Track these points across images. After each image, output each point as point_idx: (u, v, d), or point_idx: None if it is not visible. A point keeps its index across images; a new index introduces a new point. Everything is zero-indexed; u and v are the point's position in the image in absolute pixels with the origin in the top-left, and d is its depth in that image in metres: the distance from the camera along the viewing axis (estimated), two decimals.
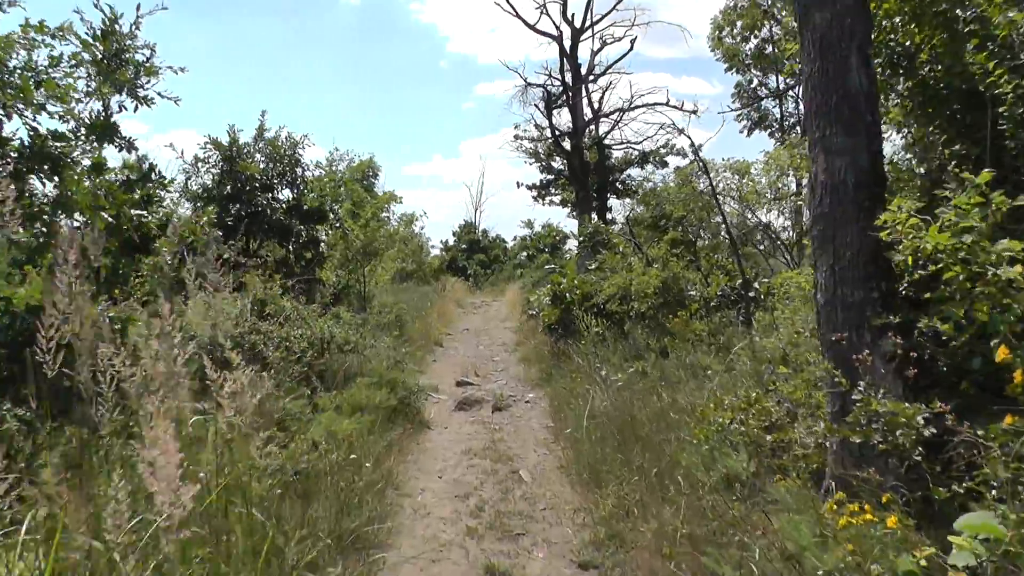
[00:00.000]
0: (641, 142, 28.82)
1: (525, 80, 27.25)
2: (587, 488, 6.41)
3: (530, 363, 13.12)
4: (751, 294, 10.01)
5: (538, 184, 32.05)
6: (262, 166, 14.78)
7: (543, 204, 32.12)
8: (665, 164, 30.28)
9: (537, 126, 30.21)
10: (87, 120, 9.24)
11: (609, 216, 30.88)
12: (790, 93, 25.42)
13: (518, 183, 34.25)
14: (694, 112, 25.51)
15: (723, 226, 12.14)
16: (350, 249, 16.55)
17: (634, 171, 30.85)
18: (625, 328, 10.61)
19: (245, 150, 14.64)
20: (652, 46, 70.52)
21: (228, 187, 14.37)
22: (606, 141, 29.29)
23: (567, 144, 27.87)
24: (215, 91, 79.36)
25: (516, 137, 30.81)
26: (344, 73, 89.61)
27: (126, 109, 9.80)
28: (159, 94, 9.87)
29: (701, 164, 10.68)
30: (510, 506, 6.33)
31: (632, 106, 27.03)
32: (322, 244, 15.86)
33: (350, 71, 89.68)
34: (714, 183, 12.02)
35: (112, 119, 9.58)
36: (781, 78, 25.24)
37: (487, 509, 6.26)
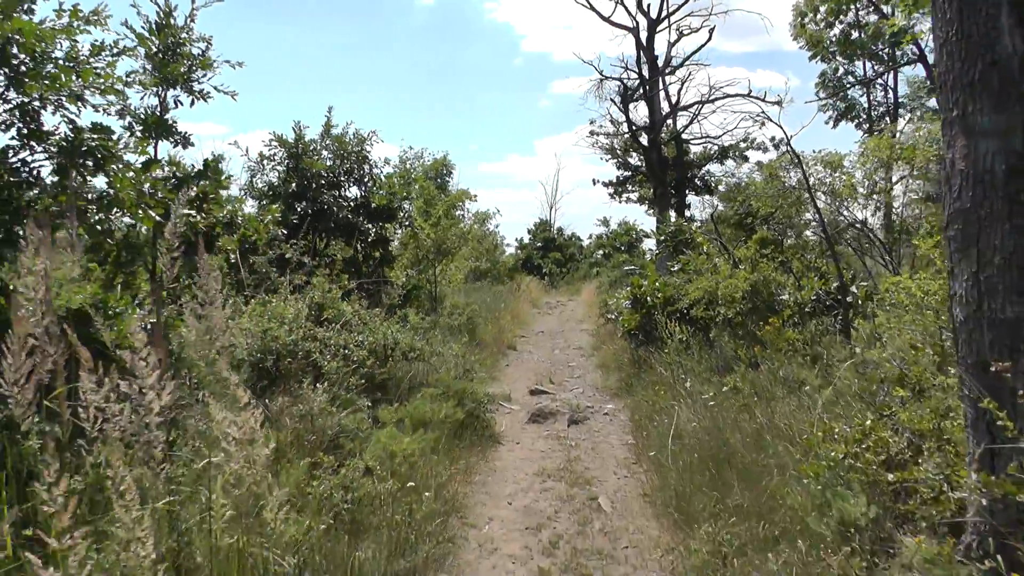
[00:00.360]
0: (720, 136, 27.72)
1: (601, 73, 26.40)
2: (675, 525, 5.61)
3: (608, 370, 12.34)
4: (848, 299, 9.04)
5: (614, 181, 31.16)
6: (328, 163, 14.30)
7: (620, 201, 31.27)
8: (745, 159, 29.14)
9: (613, 121, 29.34)
10: (142, 115, 8.84)
11: (688, 213, 29.83)
12: (878, 81, 24.01)
13: (594, 180, 33.37)
14: (778, 103, 24.28)
15: (814, 224, 11.20)
16: (420, 248, 15.99)
17: (713, 167, 29.83)
18: (710, 335, 9.76)
19: (312, 147, 14.17)
20: (726, 40, 68.92)
21: (293, 185, 13.91)
22: (684, 136, 28.26)
23: (644, 139, 26.94)
24: (293, 93, 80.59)
25: (592, 133, 29.98)
26: (419, 74, 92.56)
27: (181, 104, 9.38)
28: (216, 88, 9.43)
29: (793, 156, 9.70)
30: (588, 542, 5.57)
31: (712, 97, 25.91)
32: (391, 243, 15.33)
33: (425, 72, 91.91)
34: (807, 176, 11.06)
35: (167, 114, 9.17)
36: (869, 64, 23.83)
37: (562, 546, 5.50)
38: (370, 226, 14.55)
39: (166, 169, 8.34)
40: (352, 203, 14.62)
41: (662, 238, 11.74)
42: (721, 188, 29.06)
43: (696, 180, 29.06)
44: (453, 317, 14.57)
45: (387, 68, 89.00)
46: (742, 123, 26.96)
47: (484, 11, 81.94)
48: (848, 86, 25.09)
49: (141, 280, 10.17)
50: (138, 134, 8.88)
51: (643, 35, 26.30)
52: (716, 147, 28.84)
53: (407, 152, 30.21)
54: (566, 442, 8.41)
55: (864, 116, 24.37)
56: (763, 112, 23.98)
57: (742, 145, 29.02)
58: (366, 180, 14.75)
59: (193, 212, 9.13)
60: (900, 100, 23.70)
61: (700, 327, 10.09)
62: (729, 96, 25.23)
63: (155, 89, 9.06)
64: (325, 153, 14.43)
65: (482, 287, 23.02)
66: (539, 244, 41.79)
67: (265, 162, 14.18)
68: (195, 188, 9.40)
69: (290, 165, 14.08)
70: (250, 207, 13.96)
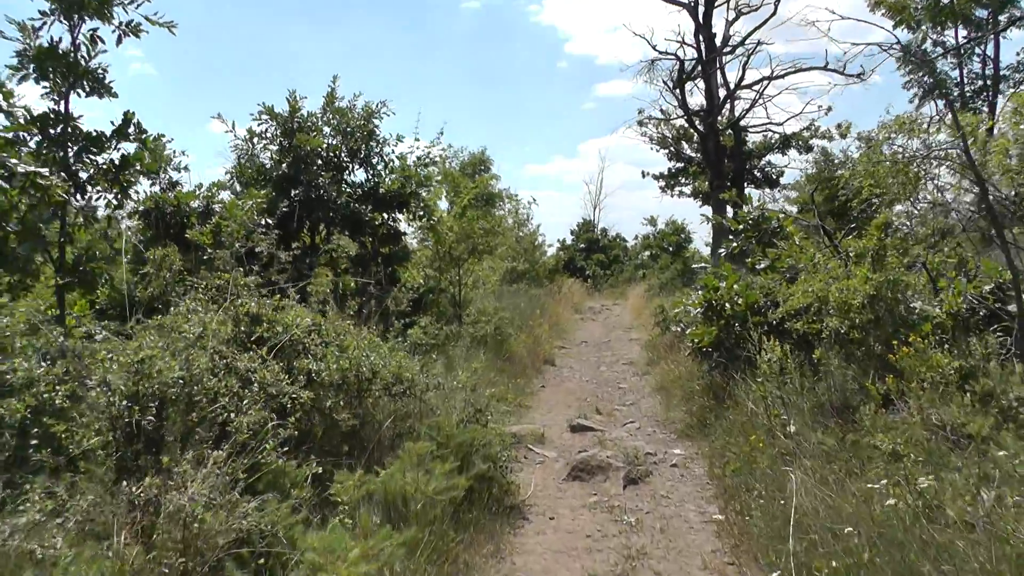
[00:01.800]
0: (784, 122, 24.83)
1: (654, 47, 23.51)
2: None
3: (669, 395, 9.70)
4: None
5: (666, 173, 28.44)
6: (331, 141, 11.82)
7: (671, 195, 28.58)
8: (810, 148, 26.23)
9: (662, 111, 26.63)
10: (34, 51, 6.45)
11: (746, 208, 26.96)
12: (976, 50, 20.81)
13: (643, 172, 30.56)
14: (859, 76, 21.29)
15: (937, 205, 8.44)
16: (441, 244, 13.46)
17: (774, 157, 26.96)
18: (815, 356, 7.02)
19: (310, 122, 11.69)
20: (771, 40, 66.43)
21: (284, 166, 11.46)
22: (742, 123, 25.41)
23: (699, 126, 24.16)
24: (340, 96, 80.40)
25: (640, 123, 27.27)
26: (464, 76, 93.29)
27: (102, 41, 6.97)
28: (147, 18, 7.01)
29: (947, 105, 6.95)
30: None
31: (783, 72, 22.89)
32: (405, 237, 12.81)
33: (470, 74, 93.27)
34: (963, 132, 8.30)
35: (84, 54, 6.76)
36: (963, 32, 20.65)
37: None
38: (378, 216, 12.06)
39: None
40: (358, 189, 12.13)
41: (741, 227, 9.01)
42: (784, 179, 26.29)
43: (756, 172, 26.22)
44: (479, 327, 12.01)
45: (432, 71, 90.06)
46: (806, 109, 23.94)
47: (529, 13, 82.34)
48: (942, 54, 21.77)
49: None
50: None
51: (700, 10, 23.49)
52: (777, 135, 26.00)
53: (447, 150, 27.89)
54: (622, 517, 5.78)
55: (956, 92, 21.09)
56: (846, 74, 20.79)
57: (805, 134, 26.15)
58: (374, 161, 12.23)
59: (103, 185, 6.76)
60: (1002, 73, 20.44)
61: (799, 343, 7.39)
62: (802, 70, 22.19)
63: (56, 18, 6.71)
64: (327, 130, 11.94)
65: (518, 290, 20.40)
66: (582, 245, 39.26)
67: (255, 140, 11.69)
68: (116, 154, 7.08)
69: (283, 143, 11.62)
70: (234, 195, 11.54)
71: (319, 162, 11.69)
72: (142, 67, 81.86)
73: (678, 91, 23.59)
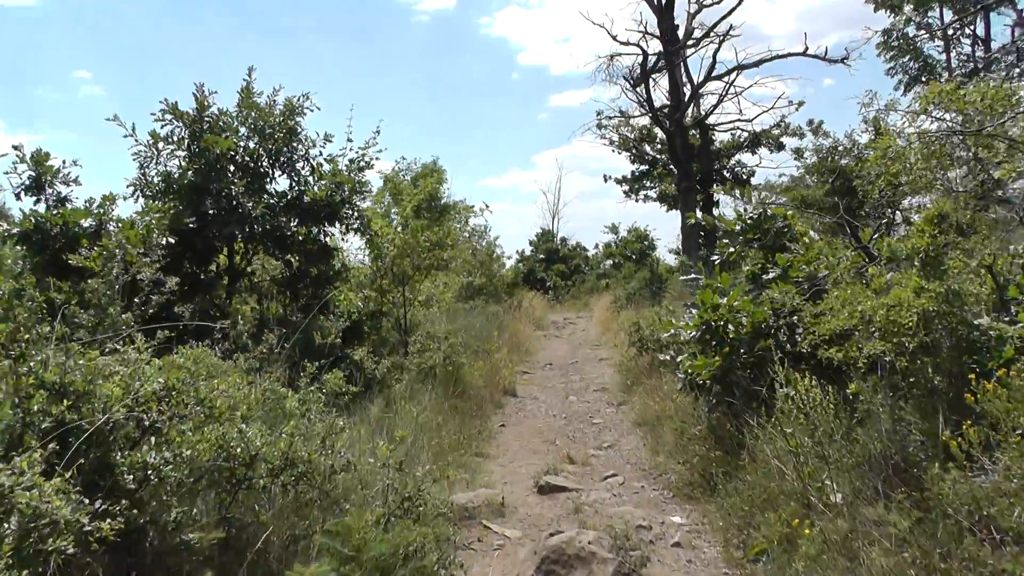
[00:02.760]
0: (754, 118, 23.43)
1: (614, 37, 21.83)
2: None
3: (655, 434, 8.02)
4: None
5: (629, 177, 26.89)
6: (250, 144, 10.01)
7: (636, 200, 27.10)
8: (781, 147, 24.89)
9: (621, 112, 25.09)
10: None
11: (716, 212, 25.52)
12: (963, 30, 19.42)
13: (606, 176, 28.97)
14: (843, 61, 19.84)
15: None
16: (381, 260, 11.69)
17: (744, 156, 25.57)
18: (850, 391, 5.33)
19: (222, 121, 9.86)
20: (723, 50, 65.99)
21: (191, 174, 9.63)
22: (709, 121, 23.94)
23: (665, 123, 22.60)
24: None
25: (600, 126, 25.72)
26: (416, 90, 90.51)
27: None
28: None
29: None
30: None
31: (757, 60, 21.30)
32: (338, 253, 11.00)
33: (422, 88, 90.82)
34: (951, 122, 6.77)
35: None
36: (948, 14, 19.24)
37: None
38: (303, 230, 10.28)
39: None
40: (282, 199, 10.34)
41: (738, 227, 7.32)
42: (756, 180, 24.88)
43: (725, 172, 24.77)
44: (426, 355, 10.24)
45: (383, 85, 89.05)
46: (777, 104, 22.52)
47: (480, 25, 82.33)
48: (924, 39, 20.35)
49: None
50: None
51: (661, 0, 21.96)
52: (747, 133, 24.60)
53: (400, 163, 26.25)
54: None
55: (945, 76, 19.70)
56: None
57: (775, 131, 24.80)
58: (299, 165, 10.44)
59: None
60: (993, 55, 19.05)
61: (825, 373, 5.72)
62: (778, 57, 20.57)
63: None
64: (243, 130, 10.13)
65: (474, 307, 18.62)
66: (541, 255, 37.67)
67: (161, 145, 9.80)
68: None
69: (192, 147, 9.79)
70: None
71: (231, 168, 9.88)
72: (91, 89, 79.27)
73: (641, 87, 22.02)
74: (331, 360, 8.69)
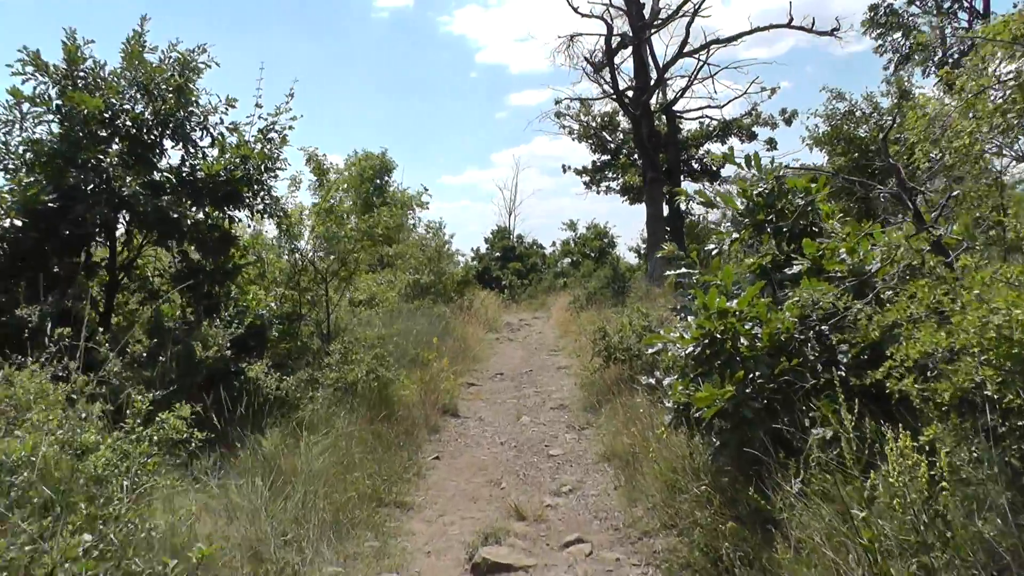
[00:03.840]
0: (725, 104, 21.81)
1: (575, 9, 19.81)
2: None
3: (632, 474, 6.18)
4: None
5: (589, 167, 25.11)
6: (138, 108, 7.99)
7: (597, 191, 25.34)
8: (753, 136, 23.34)
9: (582, 100, 23.34)
10: None
11: (684, 206, 23.86)
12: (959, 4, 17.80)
13: (564, 167, 27.05)
14: (833, 32, 18.15)
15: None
16: (298, 252, 9.76)
17: (713, 146, 23.98)
18: (923, 438, 3.51)
19: (99, 77, 7.83)
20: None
21: (55, 140, 7.60)
22: (675, 108, 22.22)
23: (625, 110, 20.81)
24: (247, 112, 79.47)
25: (559, 115, 23.89)
26: (374, 86, 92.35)
27: None
28: None
29: None
30: None
31: (735, 34, 19.47)
32: (240, 241, 9.02)
33: (380, 84, 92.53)
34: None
35: None
36: None
37: None
38: (195, 213, 8.33)
39: None
40: (173, 176, 8.37)
41: (744, 207, 5.45)
42: (725, 171, 23.30)
43: (693, 162, 23.14)
44: (346, 368, 8.32)
45: (341, 81, 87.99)
46: (749, 91, 20.85)
47: (440, 23, 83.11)
48: (916, 15, 18.71)
49: None
50: None
51: None
52: (716, 122, 22.98)
53: (351, 157, 24.44)
54: None
55: (938, 56, 18.04)
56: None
57: (746, 120, 23.22)
58: (194, 134, 8.47)
59: None
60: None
61: (888, 412, 3.92)
62: (758, 29, 18.70)
63: None
64: (132, 91, 8.15)
65: (419, 308, 16.67)
66: (497, 253, 35.89)
67: (27, 107, 7.75)
68: None
69: (63, 109, 7.77)
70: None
71: (105, 134, 7.88)
72: None
73: (605, 70, 20.18)
74: (209, 378, 6.81)
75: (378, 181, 29.35)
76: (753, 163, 5.82)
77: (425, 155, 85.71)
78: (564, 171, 27.51)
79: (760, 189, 5.58)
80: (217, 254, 8.49)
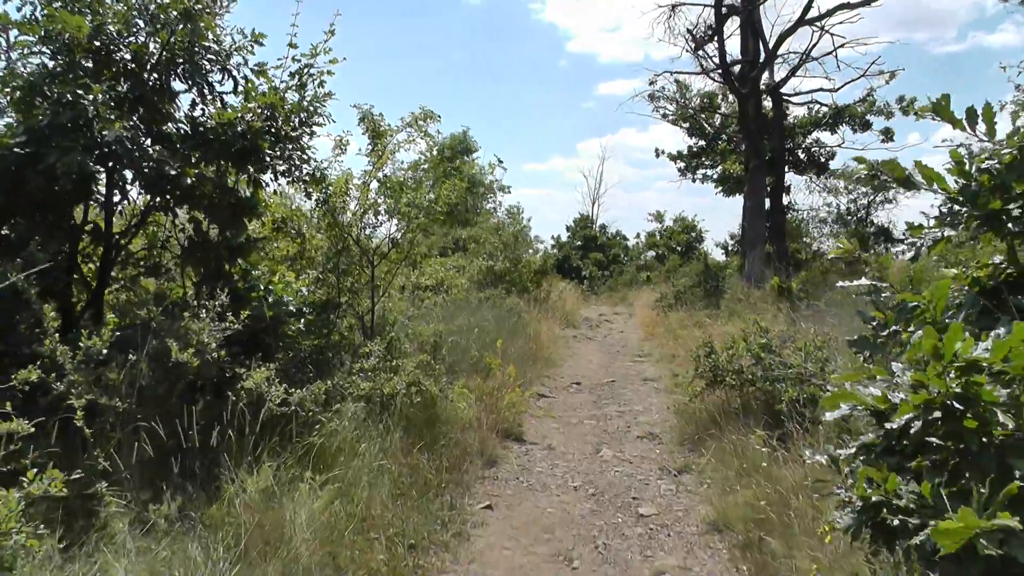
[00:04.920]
0: (839, 88, 19.37)
1: None
2: None
3: (765, 563, 4.29)
4: None
5: (685, 152, 22.93)
6: (140, 39, 6.28)
7: (692, 179, 23.15)
8: (867, 125, 20.87)
9: (677, 82, 21.22)
10: None
11: (787, 199, 21.57)
12: None
13: (657, 151, 24.84)
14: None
15: None
16: (336, 229, 8.01)
17: (823, 135, 21.60)
18: None
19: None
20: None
21: (30, 70, 5.94)
22: (782, 91, 19.89)
23: (732, 88, 18.59)
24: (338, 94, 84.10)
25: (652, 96, 21.76)
26: (463, 73, 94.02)
27: None
28: None
29: None
30: None
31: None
32: (259, 209, 7.24)
33: (469, 71, 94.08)
34: None
35: None
36: None
37: None
38: (206, 170, 6.60)
39: None
40: (179, 125, 6.66)
41: (953, 194, 3.46)
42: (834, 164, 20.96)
43: (799, 152, 20.81)
44: (383, 378, 6.51)
45: (431, 67, 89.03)
46: (868, 72, 18.44)
47: (531, 11, 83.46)
48: None
49: None
50: None
51: None
52: (826, 108, 20.58)
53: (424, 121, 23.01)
54: None
55: None
56: None
57: (860, 108, 20.76)
58: (210, 77, 6.73)
59: None
60: None
61: None
62: None
63: None
64: (141, 23, 6.45)
65: (491, 298, 14.86)
66: (578, 242, 34.08)
67: (15, 33, 6.13)
68: None
69: (51, 34, 6.11)
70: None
71: (91, 66, 6.20)
72: None
73: (711, 44, 17.97)
74: (191, 387, 5.12)
75: (456, 162, 27.86)
76: (983, 118, 3.75)
77: (511, 142, 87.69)
78: (657, 155, 25.46)
79: (991, 163, 3.53)
80: (230, 225, 6.75)
